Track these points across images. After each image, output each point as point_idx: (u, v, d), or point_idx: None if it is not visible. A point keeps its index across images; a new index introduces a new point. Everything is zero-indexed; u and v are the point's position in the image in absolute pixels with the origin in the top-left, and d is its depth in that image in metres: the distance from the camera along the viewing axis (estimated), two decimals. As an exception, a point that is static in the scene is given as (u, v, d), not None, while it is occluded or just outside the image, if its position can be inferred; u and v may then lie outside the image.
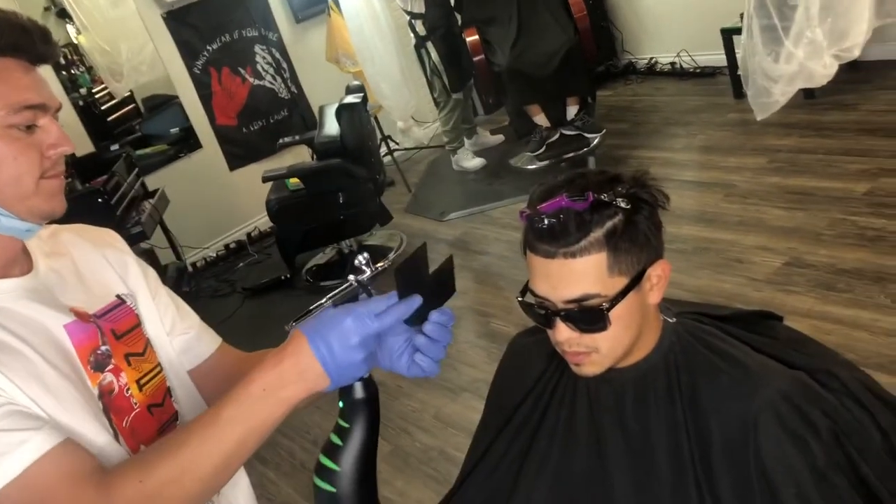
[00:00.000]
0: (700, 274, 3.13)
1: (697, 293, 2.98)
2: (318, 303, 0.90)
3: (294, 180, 4.03)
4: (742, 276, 3.02)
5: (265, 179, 3.98)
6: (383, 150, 5.38)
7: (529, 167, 4.81)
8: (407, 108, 5.11)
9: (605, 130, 4.45)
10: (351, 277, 0.92)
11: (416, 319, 0.90)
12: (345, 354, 0.85)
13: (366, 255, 0.93)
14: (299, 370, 0.84)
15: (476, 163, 5.16)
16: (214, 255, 4.96)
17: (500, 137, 5.57)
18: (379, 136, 5.25)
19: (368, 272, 0.92)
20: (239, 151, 5.06)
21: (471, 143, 5.45)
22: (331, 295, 0.91)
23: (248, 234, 5.12)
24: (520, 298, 1.07)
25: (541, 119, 4.50)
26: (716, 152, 4.19)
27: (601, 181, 1.01)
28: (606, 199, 0.98)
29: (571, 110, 4.47)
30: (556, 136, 4.54)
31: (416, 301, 0.89)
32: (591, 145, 4.51)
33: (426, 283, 0.91)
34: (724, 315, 1.19)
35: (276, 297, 4.23)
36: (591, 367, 1.06)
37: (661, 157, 4.39)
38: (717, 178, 3.88)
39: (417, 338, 0.92)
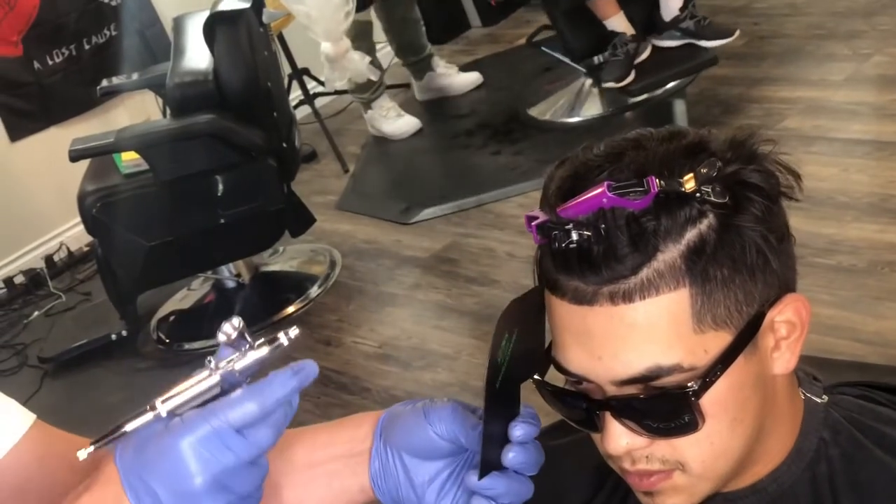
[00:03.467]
0: (883, 310, 3.15)
1: (877, 344, 2.99)
2: (141, 410, 0.91)
3: (129, 156, 4.02)
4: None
5: (76, 156, 3.96)
6: (295, 96, 5.37)
7: (568, 120, 4.81)
8: (337, 17, 5.11)
9: (738, 32, 4.48)
10: (211, 362, 0.92)
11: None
12: None
13: (236, 321, 0.93)
14: None
15: (402, 125, 5.29)
16: (-15, 298, 4.94)
17: (473, 77, 5.64)
18: (287, 71, 5.26)
19: (240, 352, 0.93)
20: (26, 106, 5.04)
21: (420, 85, 5.56)
22: (169, 395, 0.92)
23: (48, 259, 5.12)
24: (537, 377, 1.09)
25: (619, 23, 4.52)
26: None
27: (672, 153, 1.00)
28: (683, 189, 0.98)
29: (671, 2, 4.51)
30: (647, 51, 4.58)
31: (307, 371, 0.92)
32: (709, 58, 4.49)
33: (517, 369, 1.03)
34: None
35: (100, 374, 4.22)
36: (674, 498, 1.06)
37: (806, 97, 4.41)
38: (910, 136, 3.92)
39: (472, 479, 1.04)
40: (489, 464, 1.04)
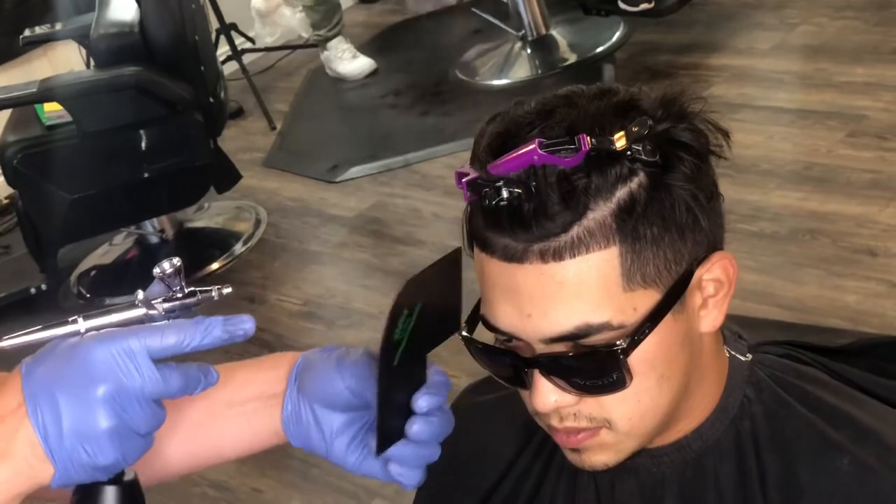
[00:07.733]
0: (803, 276, 3.20)
1: (797, 310, 3.04)
2: (61, 321, 0.92)
3: (52, 107, 3.97)
4: (877, 279, 3.10)
5: (-3, 106, 3.92)
6: (223, 51, 5.32)
7: (497, 82, 4.82)
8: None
9: None
10: (139, 294, 0.92)
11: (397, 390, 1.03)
12: (79, 416, 0.88)
13: (176, 260, 0.93)
14: (4, 441, 0.89)
15: (358, 66, 5.34)
16: None
17: None
18: (215, 25, 5.20)
19: (170, 291, 0.93)
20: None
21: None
22: (92, 313, 0.93)
23: (-33, 211, 5.02)
24: (465, 334, 1.09)
25: None
26: (831, 57, 4.28)
27: (603, 111, 1.00)
28: (614, 147, 0.97)
29: None
30: None
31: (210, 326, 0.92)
32: None
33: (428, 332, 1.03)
34: (840, 347, 1.22)
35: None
36: (600, 455, 1.07)
37: (733, 65, 4.45)
38: (833, 105, 3.97)
39: (374, 447, 1.05)
40: (390, 436, 1.04)
